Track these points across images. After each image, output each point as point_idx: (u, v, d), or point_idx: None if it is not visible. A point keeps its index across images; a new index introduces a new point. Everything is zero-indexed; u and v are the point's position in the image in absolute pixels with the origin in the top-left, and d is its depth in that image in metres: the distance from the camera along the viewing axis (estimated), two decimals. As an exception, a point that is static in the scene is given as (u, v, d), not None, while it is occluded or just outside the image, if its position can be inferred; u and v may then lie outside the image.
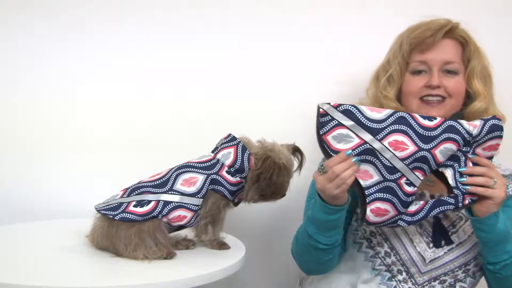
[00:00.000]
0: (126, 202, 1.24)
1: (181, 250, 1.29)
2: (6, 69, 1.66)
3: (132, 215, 1.22)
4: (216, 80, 1.69)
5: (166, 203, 1.24)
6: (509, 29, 1.71)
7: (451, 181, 1.16)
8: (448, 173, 1.16)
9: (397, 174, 1.13)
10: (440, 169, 1.16)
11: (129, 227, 1.22)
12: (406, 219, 1.17)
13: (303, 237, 1.24)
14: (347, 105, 1.10)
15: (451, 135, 1.13)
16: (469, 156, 1.16)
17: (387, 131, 1.11)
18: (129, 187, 1.28)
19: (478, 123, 1.15)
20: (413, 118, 1.13)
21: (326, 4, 1.68)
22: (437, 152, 1.13)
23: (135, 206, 1.23)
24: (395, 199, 1.13)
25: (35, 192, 1.66)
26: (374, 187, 1.13)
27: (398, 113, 1.12)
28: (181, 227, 1.30)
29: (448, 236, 1.27)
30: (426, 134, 1.12)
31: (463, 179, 1.16)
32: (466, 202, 1.16)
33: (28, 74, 1.66)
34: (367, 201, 1.13)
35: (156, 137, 1.67)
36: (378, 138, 1.10)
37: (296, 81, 1.68)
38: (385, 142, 1.11)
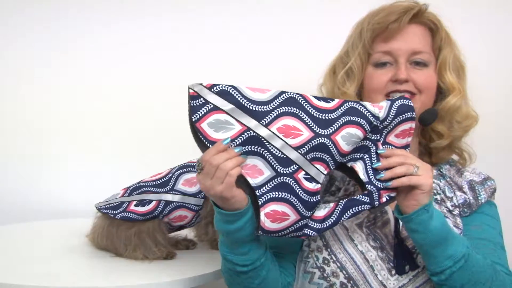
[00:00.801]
0: (127, 202, 1.24)
1: (181, 250, 1.29)
2: (5, 70, 1.66)
3: (133, 215, 1.22)
4: (216, 80, 1.68)
5: (167, 203, 1.24)
6: (482, 20, 1.63)
7: (362, 176, 0.97)
8: (359, 166, 0.98)
9: (292, 167, 0.92)
10: (349, 164, 0.98)
11: (129, 227, 1.22)
12: (314, 226, 0.96)
13: (223, 263, 1.04)
14: (224, 85, 0.91)
15: (354, 118, 0.95)
16: (379, 151, 0.99)
17: (275, 114, 0.92)
18: (130, 186, 1.28)
19: (384, 104, 0.99)
20: (305, 99, 0.94)
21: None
22: (338, 138, 0.94)
23: (136, 205, 1.23)
24: (294, 198, 0.92)
25: (35, 192, 1.66)
26: (266, 186, 0.92)
27: (286, 93, 0.94)
28: (181, 227, 1.30)
29: (413, 259, 1.06)
30: (323, 117, 0.94)
31: (381, 175, 0.97)
32: (384, 199, 0.97)
33: (27, 75, 1.66)
34: (260, 203, 0.91)
35: (157, 137, 1.67)
36: (264, 123, 0.91)
37: (295, 82, 1.67)
38: (273, 128, 0.91)
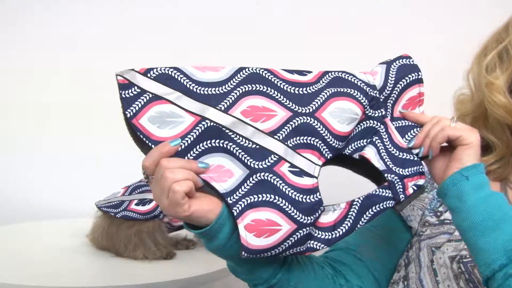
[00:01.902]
0: (127, 200, 1.24)
1: (181, 250, 1.29)
2: (6, 70, 1.66)
3: (134, 214, 1.22)
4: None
5: (167, 203, 1.24)
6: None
7: (377, 163, 0.73)
8: (369, 152, 0.74)
9: (270, 158, 0.69)
10: (356, 155, 0.75)
11: (129, 227, 1.22)
12: (322, 236, 0.71)
13: None
14: (163, 68, 0.71)
15: (342, 89, 0.73)
16: (410, 144, 0.75)
17: (236, 95, 0.70)
18: (131, 185, 1.29)
19: (379, 69, 0.77)
20: (273, 73, 0.72)
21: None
22: (326, 115, 0.72)
23: (136, 204, 1.23)
24: (281, 199, 0.68)
25: (35, 192, 1.66)
26: (240, 189, 0.68)
27: (247, 68, 0.72)
28: (181, 227, 1.30)
29: None
30: (301, 92, 0.72)
31: (420, 150, 0.74)
32: (410, 190, 0.73)
33: (28, 74, 1.66)
34: (235, 214, 0.67)
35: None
36: (223, 109, 0.69)
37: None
38: (236, 112, 0.69)
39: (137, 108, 0.69)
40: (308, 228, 0.69)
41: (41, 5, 1.66)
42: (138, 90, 0.69)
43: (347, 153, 0.74)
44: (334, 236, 0.71)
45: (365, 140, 0.75)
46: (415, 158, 0.74)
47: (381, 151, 0.74)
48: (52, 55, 1.67)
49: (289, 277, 0.78)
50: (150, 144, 0.68)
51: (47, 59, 1.67)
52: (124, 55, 1.66)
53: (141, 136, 0.68)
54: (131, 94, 0.69)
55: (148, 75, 0.70)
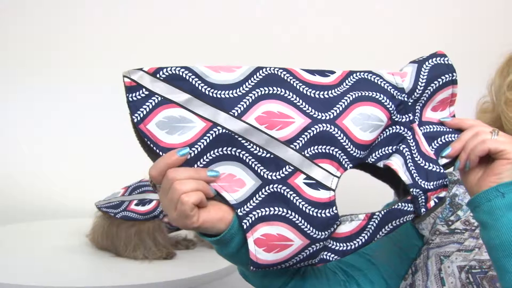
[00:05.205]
0: (127, 201, 1.24)
1: (181, 250, 1.29)
2: (6, 72, 1.66)
3: (134, 214, 1.22)
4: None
5: (167, 203, 1.24)
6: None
7: (404, 176, 0.69)
8: (396, 163, 0.69)
9: (285, 169, 0.66)
10: (380, 163, 0.70)
11: (129, 227, 1.22)
12: (337, 247, 0.68)
13: None
14: (174, 68, 0.66)
15: (367, 93, 0.69)
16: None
17: (251, 99, 0.66)
18: (130, 185, 1.29)
19: (409, 69, 0.72)
20: (292, 74, 0.68)
21: None
22: (348, 122, 0.67)
23: (136, 204, 1.23)
24: (294, 214, 0.65)
25: (35, 192, 1.66)
26: (251, 201, 0.65)
27: (265, 69, 0.67)
28: (181, 227, 1.31)
29: None
30: (321, 96, 0.68)
31: (457, 164, 0.69)
32: (432, 203, 0.70)
33: (27, 76, 1.66)
34: (245, 227, 0.64)
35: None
36: (236, 114, 0.65)
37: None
38: (250, 119, 0.65)
39: (144, 112, 0.64)
40: (322, 243, 0.66)
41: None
42: (146, 93, 0.65)
43: (371, 161, 0.70)
44: (349, 247, 0.69)
45: (390, 147, 0.70)
46: (441, 170, 0.70)
47: (408, 162, 0.70)
48: (56, 56, 1.67)
49: (303, 284, 0.76)
50: (158, 151, 0.64)
51: (48, 60, 1.67)
52: (126, 56, 1.67)
53: (149, 142, 0.64)
54: (139, 97, 0.65)
55: (158, 75, 0.65)
